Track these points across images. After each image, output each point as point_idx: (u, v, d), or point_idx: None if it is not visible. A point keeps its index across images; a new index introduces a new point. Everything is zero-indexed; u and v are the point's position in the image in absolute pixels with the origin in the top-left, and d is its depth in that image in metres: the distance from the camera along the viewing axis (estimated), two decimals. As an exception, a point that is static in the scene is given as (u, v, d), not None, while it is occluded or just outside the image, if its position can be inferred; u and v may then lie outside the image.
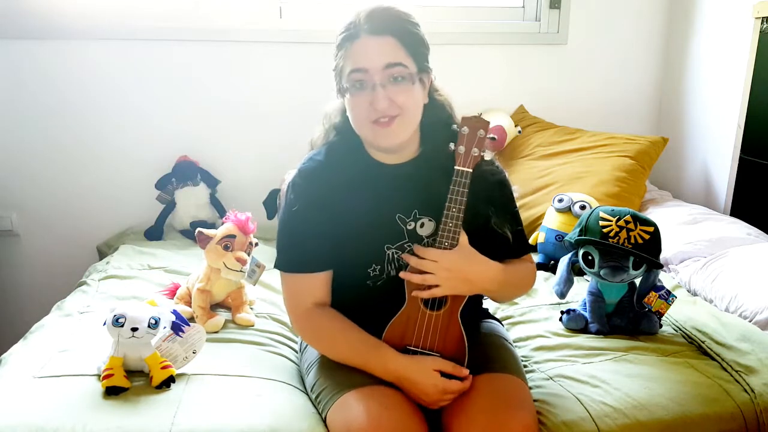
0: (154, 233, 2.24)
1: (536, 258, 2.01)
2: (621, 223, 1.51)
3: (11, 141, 2.24)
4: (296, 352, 1.49)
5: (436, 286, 1.19)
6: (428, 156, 1.27)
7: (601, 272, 1.52)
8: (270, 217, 2.10)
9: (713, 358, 1.43)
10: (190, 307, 1.59)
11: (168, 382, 1.25)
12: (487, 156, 1.20)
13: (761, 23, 2.06)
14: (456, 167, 1.19)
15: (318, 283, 1.27)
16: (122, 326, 1.25)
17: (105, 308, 1.49)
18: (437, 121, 1.25)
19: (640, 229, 1.51)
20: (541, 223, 2.06)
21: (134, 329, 1.25)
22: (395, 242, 1.25)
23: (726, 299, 1.66)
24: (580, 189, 2.11)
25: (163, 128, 2.31)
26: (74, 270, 2.12)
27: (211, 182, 2.30)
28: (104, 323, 1.27)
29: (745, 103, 2.15)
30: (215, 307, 1.63)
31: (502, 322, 1.54)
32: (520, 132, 2.44)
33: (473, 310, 1.40)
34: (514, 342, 1.48)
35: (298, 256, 1.26)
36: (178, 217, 2.28)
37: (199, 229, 1.59)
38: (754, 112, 2.13)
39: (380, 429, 1.09)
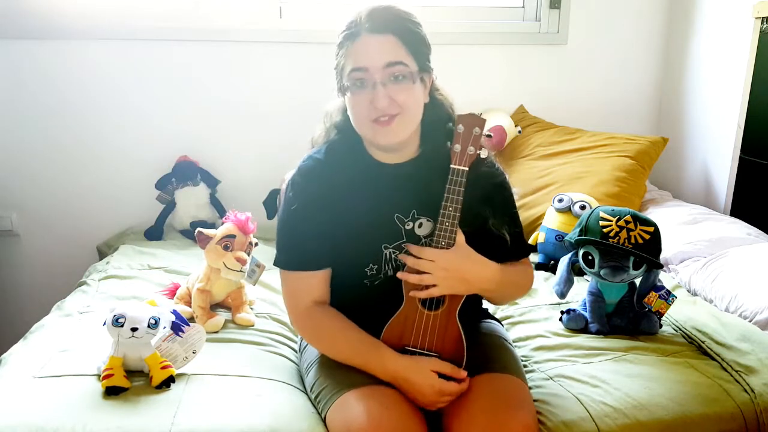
0: (154, 233, 2.24)
1: (536, 258, 2.01)
2: (621, 223, 1.51)
3: (11, 141, 2.24)
4: (296, 351, 1.49)
5: (434, 285, 1.19)
6: (428, 156, 1.27)
7: (601, 272, 1.52)
8: (270, 217, 2.10)
9: (713, 358, 1.43)
10: (190, 307, 1.59)
11: (168, 382, 1.25)
12: (484, 154, 1.19)
13: (761, 23, 2.06)
14: (452, 166, 1.18)
15: (317, 282, 1.27)
16: (122, 326, 1.25)
17: (105, 308, 1.49)
18: (437, 121, 1.25)
19: (641, 229, 1.51)
20: (541, 223, 2.06)
21: (134, 329, 1.25)
22: (393, 242, 1.25)
23: (726, 299, 1.66)
24: (580, 189, 2.11)
25: (163, 128, 2.31)
26: (74, 270, 2.11)
27: (211, 182, 2.30)
28: (104, 323, 1.27)
29: (745, 103, 2.15)
30: (215, 307, 1.63)
31: (502, 322, 1.54)
32: (520, 132, 2.44)
33: (473, 310, 1.40)
34: (514, 342, 1.48)
35: (298, 254, 1.26)
36: (178, 217, 2.28)
37: (199, 229, 1.59)
38: (754, 112, 2.13)
39: (380, 429, 1.09)
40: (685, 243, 1.91)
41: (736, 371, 1.37)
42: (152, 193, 2.29)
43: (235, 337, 1.50)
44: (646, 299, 1.52)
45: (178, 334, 1.31)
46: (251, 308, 1.65)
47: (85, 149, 2.28)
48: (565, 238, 1.64)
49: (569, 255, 1.61)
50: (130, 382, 1.25)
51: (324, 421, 1.19)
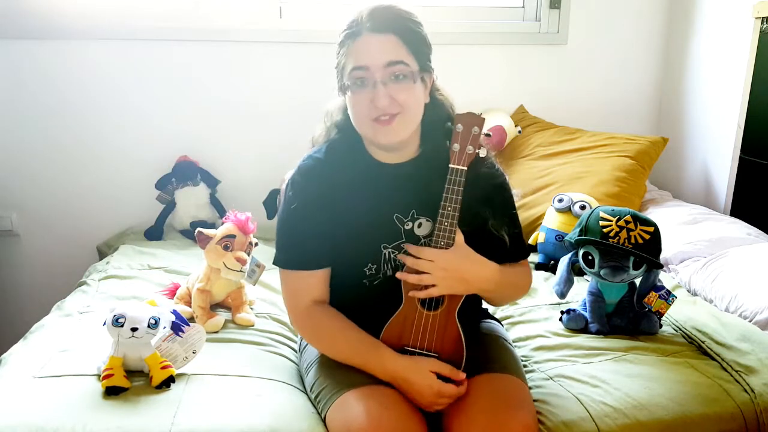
0: (154, 233, 2.24)
1: (536, 258, 2.01)
2: (621, 223, 1.51)
3: (11, 141, 2.24)
4: (296, 351, 1.49)
5: (433, 285, 1.19)
6: (428, 156, 1.27)
7: (601, 272, 1.52)
8: (270, 217, 2.10)
9: (713, 358, 1.43)
10: (190, 307, 1.59)
11: (168, 382, 1.25)
12: (483, 153, 1.19)
13: (761, 23, 2.06)
14: (450, 165, 1.18)
15: (317, 281, 1.27)
16: (122, 326, 1.25)
17: (105, 308, 1.49)
18: (437, 121, 1.25)
19: (641, 229, 1.51)
20: (541, 223, 2.06)
21: (134, 329, 1.25)
22: (392, 242, 1.25)
23: (726, 299, 1.66)
24: (580, 189, 2.11)
25: (163, 128, 2.31)
26: (74, 270, 2.12)
27: (211, 182, 2.30)
28: (104, 323, 1.27)
29: (745, 103, 2.15)
30: (215, 307, 1.63)
31: (502, 322, 1.54)
32: (520, 132, 2.44)
33: (472, 310, 1.40)
34: (514, 342, 1.48)
35: (298, 254, 1.26)
36: (178, 217, 2.28)
37: (199, 229, 1.59)
38: (754, 112, 2.13)
39: (380, 429, 1.09)
40: (685, 243, 1.91)
41: (736, 371, 1.37)
42: (152, 193, 2.29)
43: (235, 337, 1.50)
44: (646, 299, 1.52)
45: (178, 334, 1.31)
46: (251, 308, 1.65)
47: (85, 149, 2.28)
48: (565, 238, 1.64)
49: (569, 255, 1.61)
50: (130, 382, 1.25)
51: (324, 421, 1.19)
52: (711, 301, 1.71)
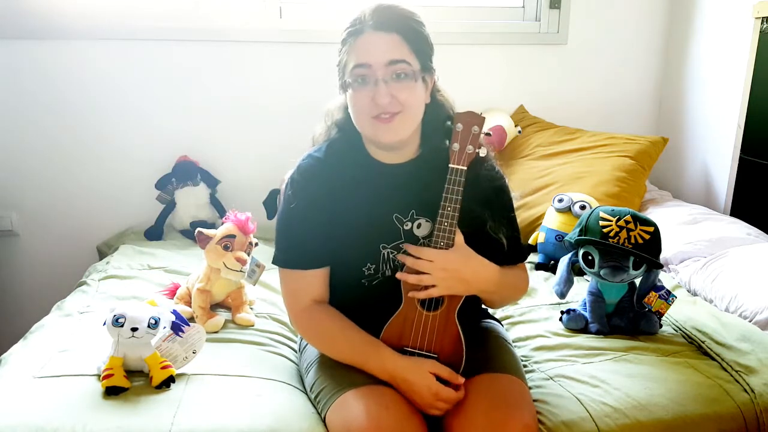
0: (154, 233, 2.24)
1: (536, 258, 2.02)
2: (621, 223, 1.51)
3: (11, 141, 2.24)
4: (296, 351, 1.49)
5: (433, 286, 1.19)
6: (428, 156, 1.27)
7: (601, 272, 1.52)
8: (270, 217, 2.10)
9: (713, 358, 1.43)
10: (190, 307, 1.59)
11: (168, 382, 1.25)
12: (483, 153, 1.19)
13: (761, 23, 2.06)
14: (450, 165, 1.18)
15: (316, 280, 1.27)
16: (122, 326, 1.25)
17: (105, 308, 1.49)
18: (438, 121, 1.25)
19: (641, 229, 1.51)
20: (541, 223, 2.06)
21: (134, 329, 1.25)
22: (391, 242, 1.25)
23: (726, 299, 1.66)
24: (580, 189, 2.11)
25: (163, 128, 2.31)
26: (74, 270, 2.12)
27: (211, 182, 2.30)
28: (104, 323, 1.27)
29: (745, 103, 2.15)
30: (215, 307, 1.63)
31: (502, 322, 1.54)
32: (520, 132, 2.44)
33: (472, 310, 1.40)
34: (514, 342, 1.48)
35: (297, 253, 1.26)
36: (178, 217, 2.28)
37: (199, 229, 1.59)
38: (754, 112, 2.13)
39: (380, 429, 1.09)
40: (685, 243, 1.91)
41: (736, 371, 1.37)
42: (152, 193, 2.29)
43: (235, 337, 1.50)
44: (646, 299, 1.52)
45: (178, 334, 1.31)
46: (251, 308, 1.65)
47: (85, 149, 2.28)
48: (565, 238, 1.64)
49: (569, 255, 1.61)
50: (130, 382, 1.25)
51: (324, 421, 1.19)
52: (711, 301, 1.71)
